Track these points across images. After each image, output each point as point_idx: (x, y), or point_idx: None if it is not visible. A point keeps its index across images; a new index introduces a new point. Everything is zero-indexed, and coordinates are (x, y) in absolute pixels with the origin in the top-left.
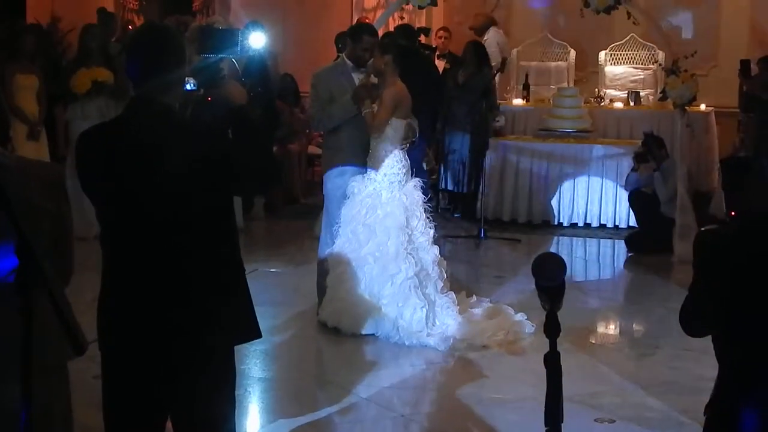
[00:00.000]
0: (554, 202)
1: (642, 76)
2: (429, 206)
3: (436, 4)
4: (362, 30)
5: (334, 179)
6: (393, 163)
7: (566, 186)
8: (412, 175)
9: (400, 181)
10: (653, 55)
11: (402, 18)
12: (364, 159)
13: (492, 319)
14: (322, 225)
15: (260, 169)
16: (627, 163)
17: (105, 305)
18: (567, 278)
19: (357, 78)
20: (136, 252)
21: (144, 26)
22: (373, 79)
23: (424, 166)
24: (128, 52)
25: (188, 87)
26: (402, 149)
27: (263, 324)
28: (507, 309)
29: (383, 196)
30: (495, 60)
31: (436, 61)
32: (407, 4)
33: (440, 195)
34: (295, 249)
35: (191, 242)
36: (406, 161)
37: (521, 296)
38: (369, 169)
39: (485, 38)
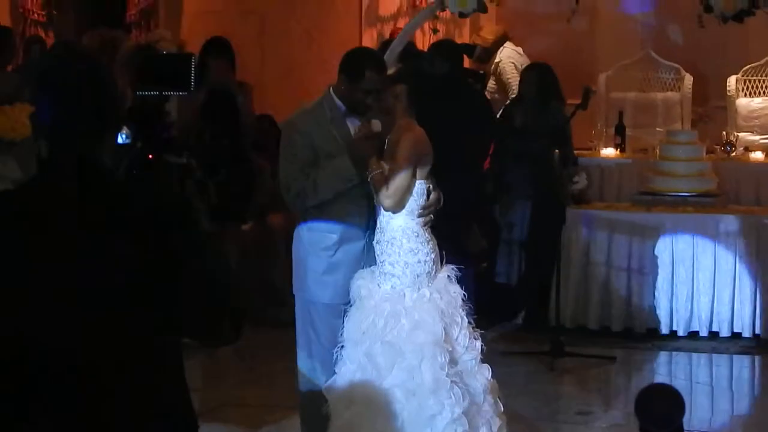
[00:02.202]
0: (664, 302)
1: None
2: (472, 306)
3: (485, 10)
4: (363, 62)
5: (320, 277)
6: (417, 247)
7: (682, 277)
8: (443, 262)
9: (428, 272)
10: None
11: (435, 31)
12: (366, 244)
13: None
14: (299, 346)
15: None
16: None
17: None
18: (686, 419)
19: (354, 127)
20: (27, 400)
21: (58, 50)
22: (375, 125)
23: (469, 248)
24: (39, 87)
25: (119, 140)
26: (426, 224)
27: None
28: None
29: (407, 297)
30: (514, 89)
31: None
32: (443, 10)
33: (494, 290)
34: (280, 374)
35: (126, 385)
36: (434, 242)
37: None
38: (380, 259)
39: (497, 60)
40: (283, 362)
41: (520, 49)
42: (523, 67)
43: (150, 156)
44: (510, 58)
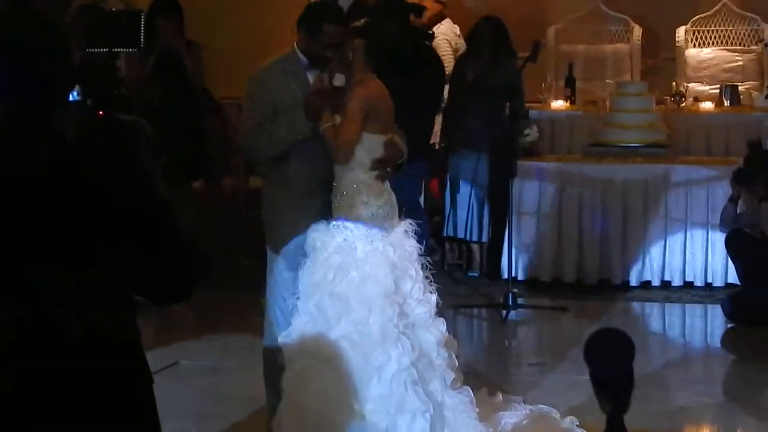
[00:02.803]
0: (616, 252)
1: (741, 63)
2: (429, 261)
3: None
4: (321, 15)
5: (280, 230)
6: (370, 201)
7: (633, 227)
8: (401, 216)
9: (382, 226)
10: (756, 31)
11: None
12: (325, 197)
13: (528, 428)
14: (268, 297)
15: (174, 267)
16: (722, 192)
17: None
18: (638, 368)
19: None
20: None
21: (9, 11)
22: (338, 80)
23: (421, 203)
24: None
25: (70, 97)
26: (380, 178)
27: None
28: (549, 412)
29: (359, 249)
30: (448, 65)
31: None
32: None
33: (446, 245)
34: (234, 332)
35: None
36: (391, 196)
37: (570, 393)
38: (334, 211)
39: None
40: (237, 322)
41: (457, 29)
42: (458, 47)
43: (100, 113)
44: (445, 35)
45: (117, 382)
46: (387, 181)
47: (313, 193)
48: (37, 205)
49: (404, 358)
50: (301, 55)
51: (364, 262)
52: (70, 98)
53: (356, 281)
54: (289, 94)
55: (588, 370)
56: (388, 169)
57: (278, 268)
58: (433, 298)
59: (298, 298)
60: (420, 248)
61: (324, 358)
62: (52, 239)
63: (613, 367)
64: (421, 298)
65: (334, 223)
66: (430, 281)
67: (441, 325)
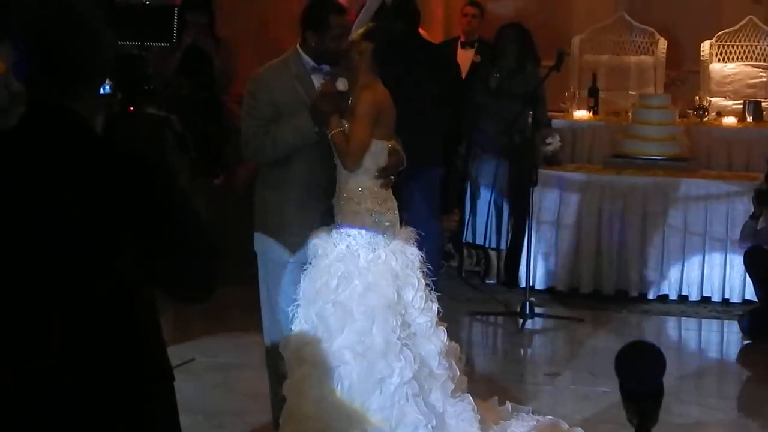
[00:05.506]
0: (634, 264)
1: (765, 79)
2: (431, 269)
3: None
4: (327, 8)
5: (278, 234)
6: (374, 207)
7: (652, 239)
8: (402, 224)
9: (385, 233)
10: None
11: None
12: (327, 202)
13: None
14: (262, 300)
15: (193, 269)
16: (743, 207)
17: None
18: None
19: (319, 82)
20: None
21: None
22: (341, 84)
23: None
24: (20, 32)
25: (101, 90)
26: (385, 186)
27: None
28: (557, 423)
29: (362, 258)
30: None
31: (460, 53)
32: None
33: (465, 251)
34: (249, 327)
35: (93, 328)
36: (394, 204)
37: (584, 403)
38: (337, 218)
39: None
40: (252, 320)
41: None
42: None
43: (131, 108)
44: None
45: (139, 379)
46: (390, 189)
47: (314, 197)
48: (62, 194)
49: (407, 370)
50: (305, 56)
51: (367, 270)
52: (101, 91)
53: (359, 290)
54: (292, 96)
55: (606, 381)
56: (392, 177)
57: (274, 275)
58: (435, 306)
59: (298, 304)
60: (422, 256)
61: (323, 368)
62: (74, 229)
63: (643, 379)
64: (422, 307)
65: (336, 229)
66: (431, 289)
67: (442, 334)
